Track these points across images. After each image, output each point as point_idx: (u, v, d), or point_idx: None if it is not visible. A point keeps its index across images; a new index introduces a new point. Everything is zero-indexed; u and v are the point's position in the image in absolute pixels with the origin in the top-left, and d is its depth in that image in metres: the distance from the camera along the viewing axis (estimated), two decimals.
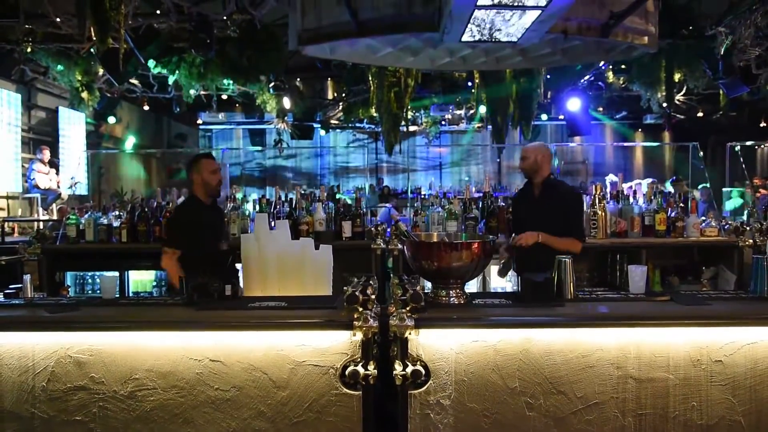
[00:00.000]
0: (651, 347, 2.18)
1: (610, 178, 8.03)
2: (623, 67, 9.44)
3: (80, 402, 2.21)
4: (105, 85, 9.11)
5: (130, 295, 4.78)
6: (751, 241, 4.21)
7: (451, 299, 2.42)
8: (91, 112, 9.80)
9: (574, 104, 10.62)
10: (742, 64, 7.43)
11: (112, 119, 10.84)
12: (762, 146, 12.48)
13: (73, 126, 10.50)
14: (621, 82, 10.52)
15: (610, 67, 9.82)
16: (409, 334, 2.12)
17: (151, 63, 7.52)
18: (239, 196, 5.28)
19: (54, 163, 9.38)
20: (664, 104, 9.22)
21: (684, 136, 11.50)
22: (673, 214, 4.48)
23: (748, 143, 8.31)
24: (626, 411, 2.17)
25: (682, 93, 9.75)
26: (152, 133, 13.93)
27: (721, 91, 8.87)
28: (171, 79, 8.28)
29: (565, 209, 3.54)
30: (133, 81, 9.61)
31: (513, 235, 3.63)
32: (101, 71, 8.01)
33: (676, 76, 8.50)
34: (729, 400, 2.17)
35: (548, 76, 9.84)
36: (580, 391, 2.17)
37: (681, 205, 4.54)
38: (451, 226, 4.54)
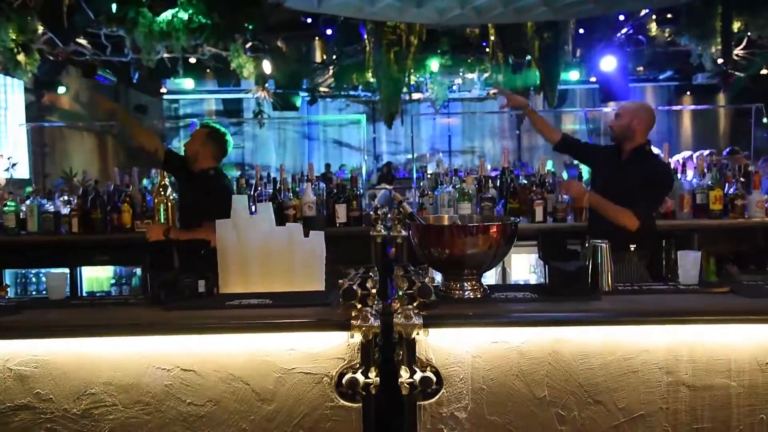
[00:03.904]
0: (708, 349, 2.17)
1: None
2: (669, 16, 9.36)
3: (23, 424, 2.19)
4: (46, 46, 9.04)
5: (84, 294, 4.78)
6: None
7: (466, 293, 2.41)
8: (31, 78, 9.72)
9: (608, 64, 10.56)
10: None
11: (62, 89, 10.76)
12: None
13: (9, 95, 10.44)
14: (666, 36, 10.44)
15: (653, 17, 9.74)
16: (417, 334, 2.11)
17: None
18: None
19: None
20: (720, 60, 9.15)
21: (743, 98, 11.41)
22: (731, 190, 4.45)
23: None
24: (678, 425, 2.16)
25: (741, 46, 9.66)
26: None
27: None
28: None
29: (650, 183, 3.68)
30: (81, 41, 9.53)
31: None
32: (41, 29, 7.93)
33: (735, 26, 8.42)
34: None
35: (581, 30, 9.77)
36: (621, 401, 2.16)
37: (741, 180, 4.52)
38: (464, 208, 4.55)
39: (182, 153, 4.22)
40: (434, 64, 11.30)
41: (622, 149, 3.81)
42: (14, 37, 7.96)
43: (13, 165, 9.13)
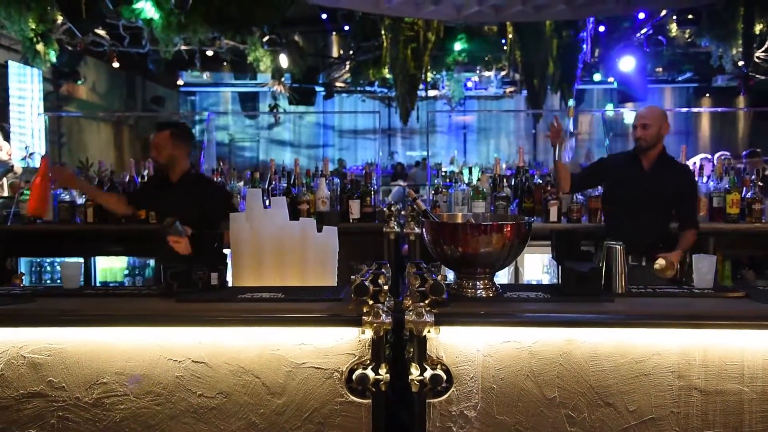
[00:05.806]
0: (721, 353, 2.15)
1: None
2: (690, 17, 9.28)
3: (36, 411, 2.22)
4: (65, 36, 9.10)
5: (97, 284, 4.81)
6: None
7: (479, 292, 2.41)
8: (49, 68, 9.79)
9: (627, 64, 10.49)
10: None
11: (80, 82, 10.84)
12: None
13: (26, 85, 10.51)
14: (687, 36, 10.35)
15: (674, 17, 9.66)
16: (428, 332, 2.11)
17: None
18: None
19: (4, 130, 9.40)
20: (740, 62, 9.05)
21: (763, 101, 11.32)
22: (749, 194, 4.42)
23: None
24: (689, 429, 2.15)
25: (763, 48, 9.55)
26: (124, 95, 13.95)
27: None
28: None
29: (679, 191, 3.73)
30: (100, 32, 9.59)
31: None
32: (60, 18, 7.97)
33: (757, 28, 8.32)
34: None
35: (601, 28, 9.69)
36: (632, 403, 2.15)
37: (759, 184, 4.48)
38: (478, 206, 4.54)
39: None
40: (457, 45, 11.19)
41: (643, 157, 3.77)
42: (33, 27, 8.02)
43: (31, 154, 9.21)
